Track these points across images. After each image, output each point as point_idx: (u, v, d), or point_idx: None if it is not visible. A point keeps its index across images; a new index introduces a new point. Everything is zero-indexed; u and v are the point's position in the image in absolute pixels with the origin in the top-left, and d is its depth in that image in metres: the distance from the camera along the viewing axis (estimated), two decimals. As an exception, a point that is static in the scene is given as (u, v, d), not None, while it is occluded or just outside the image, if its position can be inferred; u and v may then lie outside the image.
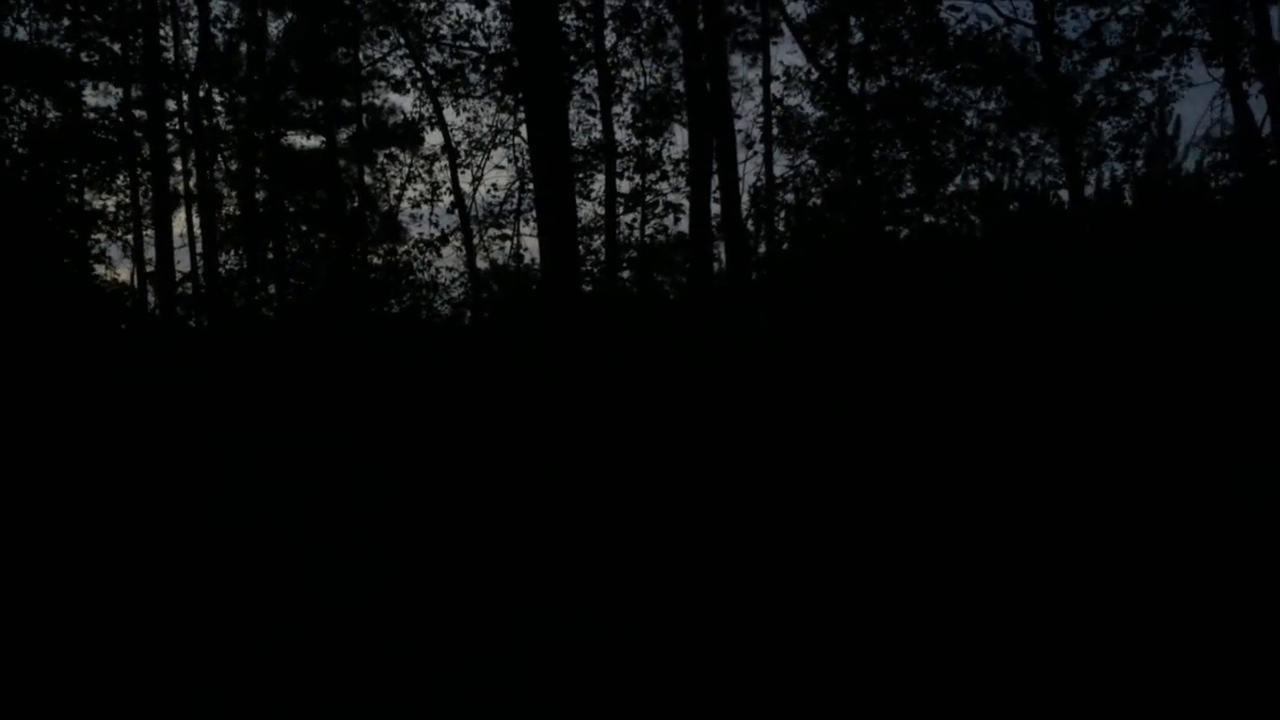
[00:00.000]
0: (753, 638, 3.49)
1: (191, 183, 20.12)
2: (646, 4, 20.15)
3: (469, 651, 3.55)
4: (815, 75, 20.35)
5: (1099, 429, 4.14)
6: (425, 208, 21.82)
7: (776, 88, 20.79)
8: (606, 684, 3.27)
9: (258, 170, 19.65)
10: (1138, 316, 4.40)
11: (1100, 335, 4.43)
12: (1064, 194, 16.58)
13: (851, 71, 19.53)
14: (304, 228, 19.83)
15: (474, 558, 4.38)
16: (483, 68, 20.33)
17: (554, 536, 4.36)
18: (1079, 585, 3.50)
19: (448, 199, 21.27)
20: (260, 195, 19.76)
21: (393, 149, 22.38)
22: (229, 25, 20.36)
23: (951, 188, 19.34)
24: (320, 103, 19.79)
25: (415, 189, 22.39)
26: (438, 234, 21.48)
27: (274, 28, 20.31)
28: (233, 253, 19.73)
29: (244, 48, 20.31)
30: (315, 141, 20.61)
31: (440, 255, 21.91)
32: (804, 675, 3.25)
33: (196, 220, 19.94)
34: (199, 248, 19.51)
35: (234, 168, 20.74)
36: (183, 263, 19.73)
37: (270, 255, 19.12)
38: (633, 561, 4.11)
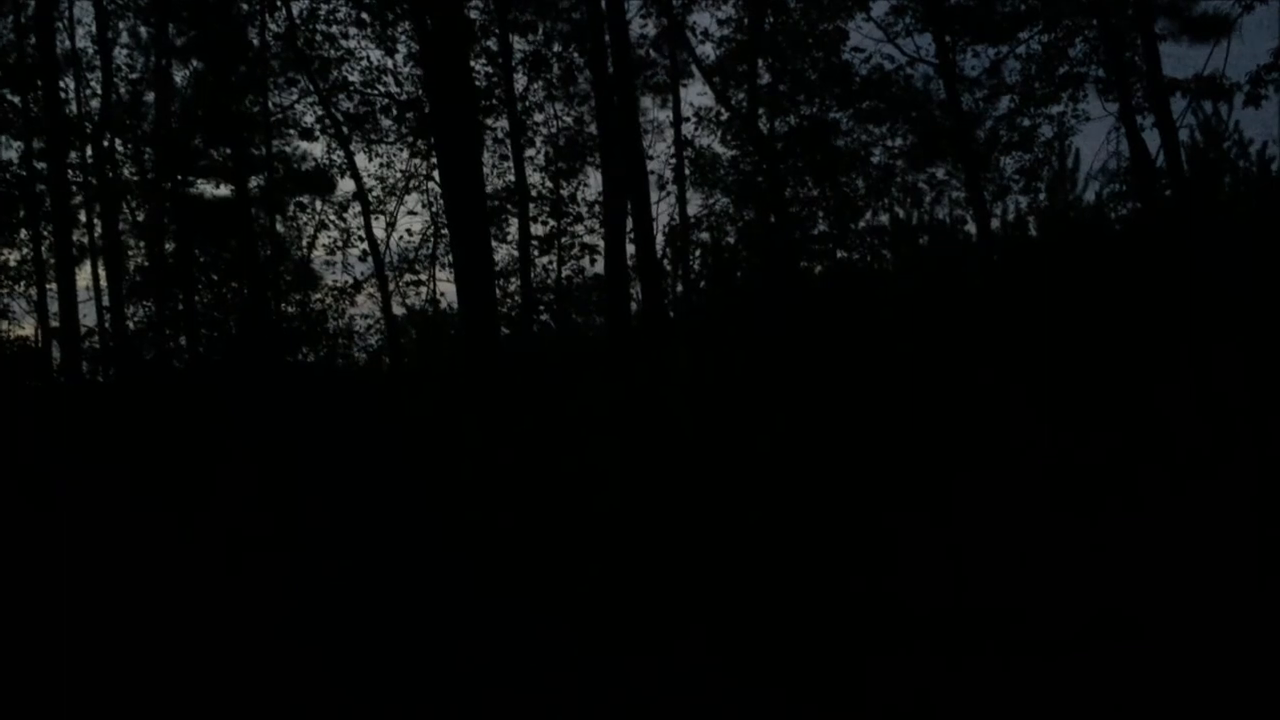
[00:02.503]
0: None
1: (97, 234, 19.66)
2: (556, 48, 20.30)
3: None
4: (725, 115, 20.62)
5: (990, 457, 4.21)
6: (339, 255, 21.48)
7: (688, 128, 21.00)
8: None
9: (166, 220, 19.28)
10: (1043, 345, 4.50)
11: (1011, 364, 4.52)
12: (971, 227, 16.97)
13: (761, 111, 19.83)
14: (214, 277, 19.48)
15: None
16: (394, 113, 20.25)
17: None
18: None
19: (362, 245, 21.02)
20: (169, 245, 19.37)
21: (303, 197, 22.08)
22: (133, 75, 20.03)
23: (862, 223, 19.64)
24: (229, 151, 19.50)
25: (329, 236, 22.12)
26: (351, 281, 21.28)
27: (180, 76, 20.03)
28: (141, 305, 19.30)
29: (149, 96, 19.97)
30: (225, 190, 20.28)
31: (354, 303, 21.70)
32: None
33: (103, 272, 19.47)
34: (105, 300, 19.04)
35: (140, 218, 20.32)
36: (88, 316, 19.23)
37: (180, 306, 18.72)
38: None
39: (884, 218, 20.00)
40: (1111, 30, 16.78)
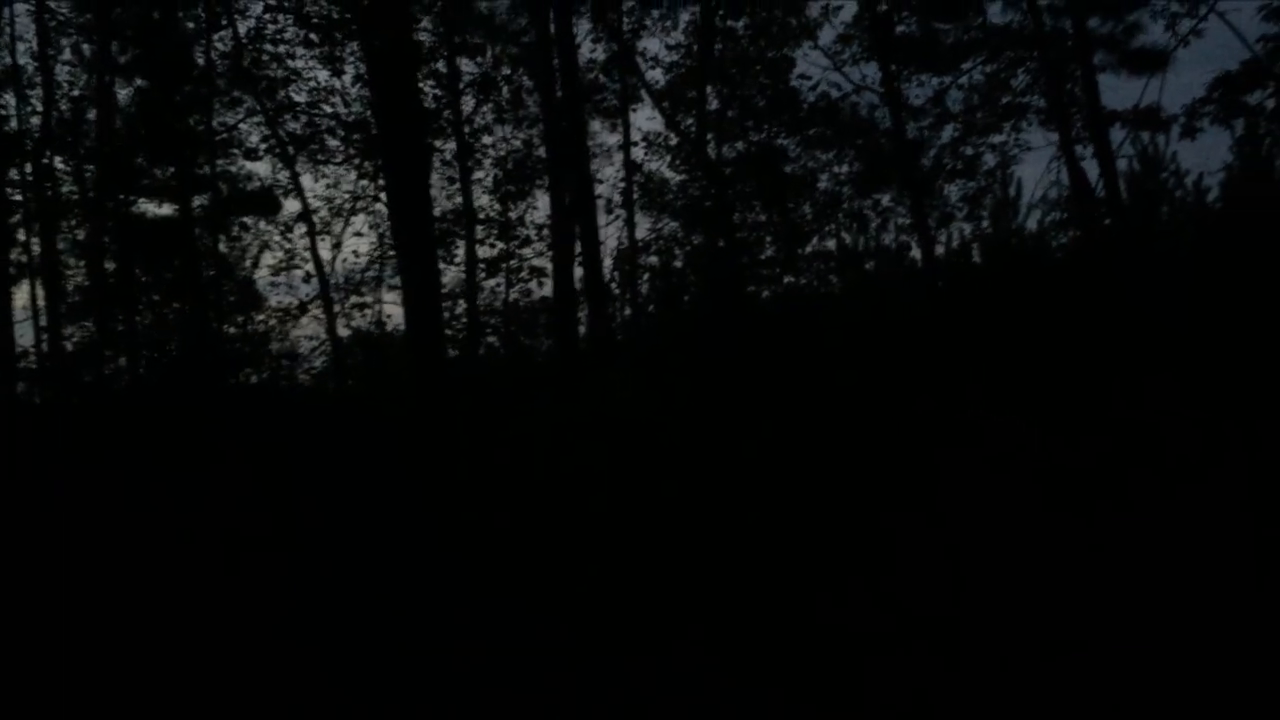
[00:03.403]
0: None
1: (36, 253, 19.27)
2: (505, 71, 20.31)
3: None
4: (675, 140, 20.73)
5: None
6: (284, 275, 21.24)
7: (637, 152, 21.10)
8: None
9: (106, 239, 18.96)
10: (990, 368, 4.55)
11: (955, 388, 4.56)
12: (917, 253, 17.16)
13: (709, 136, 19.97)
14: (155, 298, 19.17)
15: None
16: (341, 134, 20.12)
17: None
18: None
19: (307, 266, 20.81)
20: (109, 265, 19.04)
21: (246, 218, 21.77)
22: (75, 92, 19.72)
23: (809, 249, 19.79)
24: (172, 169, 19.23)
25: (273, 256, 21.86)
26: (296, 303, 21.05)
27: (124, 94, 19.75)
28: (80, 325, 18.94)
29: (92, 114, 19.66)
30: (168, 209, 19.98)
31: (299, 324, 21.44)
32: None
33: (42, 292, 19.07)
34: (43, 320, 18.65)
35: (80, 237, 19.96)
36: (25, 336, 18.82)
37: (120, 327, 18.40)
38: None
39: (831, 243, 20.19)
40: (1052, 62, 17.15)
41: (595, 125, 21.65)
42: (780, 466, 4.64)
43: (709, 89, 19.92)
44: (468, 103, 20.16)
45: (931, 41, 18.81)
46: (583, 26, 18.78)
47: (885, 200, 20.57)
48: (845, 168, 20.59)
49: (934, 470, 4.15)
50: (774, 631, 3.96)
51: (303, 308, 20.96)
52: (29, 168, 19.02)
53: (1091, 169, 15.86)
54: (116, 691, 4.00)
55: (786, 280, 18.84)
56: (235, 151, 20.94)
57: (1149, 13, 16.46)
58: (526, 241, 21.57)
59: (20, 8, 25.10)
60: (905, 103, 19.27)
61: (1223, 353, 3.81)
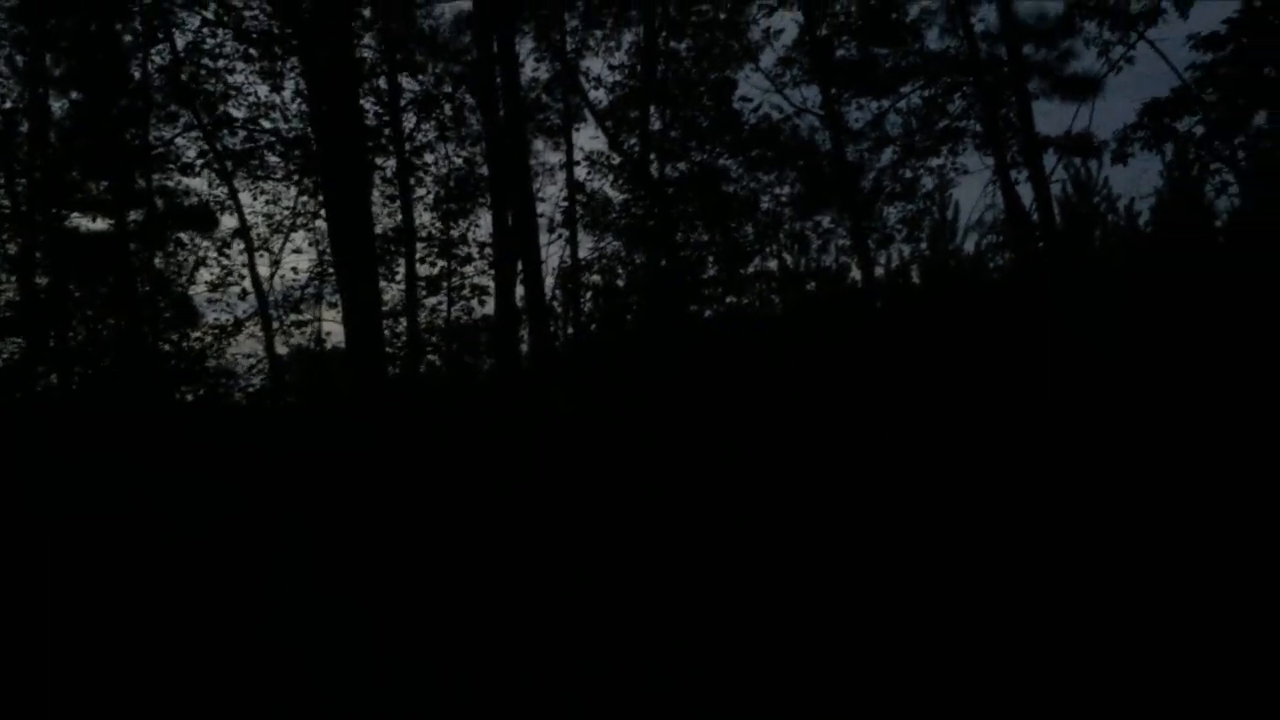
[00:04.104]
0: None
1: (-37, 268, 18.83)
2: (447, 89, 20.26)
3: None
4: (618, 160, 20.81)
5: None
6: (222, 292, 20.97)
7: (580, 171, 21.17)
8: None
9: (39, 254, 18.59)
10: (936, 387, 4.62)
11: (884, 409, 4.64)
12: (856, 274, 17.40)
13: (652, 156, 20.07)
14: (89, 313, 18.81)
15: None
16: (280, 150, 19.91)
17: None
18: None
19: (245, 283, 20.57)
20: (42, 280, 18.67)
21: (182, 233, 21.40)
22: (7, 104, 19.34)
23: (751, 269, 19.94)
24: (107, 184, 18.91)
25: (210, 273, 21.52)
26: (233, 319, 20.74)
27: (58, 107, 19.42)
28: (10, 341, 18.52)
29: (24, 127, 19.30)
30: (103, 224, 19.63)
31: (236, 341, 21.12)
32: None
33: (-30, 307, 18.63)
34: (-28, 336, 18.21)
35: (12, 251, 19.53)
36: (-47, 353, 18.35)
37: (52, 343, 18.03)
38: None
39: (772, 263, 20.37)
40: (987, 87, 17.50)
41: (538, 144, 21.70)
42: (722, 480, 4.68)
43: (652, 109, 20.04)
44: (409, 120, 20.09)
45: (870, 66, 19.12)
46: (526, 45, 18.84)
47: (826, 221, 20.83)
48: (786, 189, 20.81)
49: (871, 488, 4.21)
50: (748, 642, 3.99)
51: (238, 325, 20.67)
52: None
53: (1026, 193, 16.22)
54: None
55: (729, 300, 19.00)
56: (171, 167, 20.64)
57: (1082, 40, 16.85)
58: (468, 260, 21.49)
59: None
60: (845, 125, 19.57)
61: (1153, 370, 3.92)
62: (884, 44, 18.94)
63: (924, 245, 18.83)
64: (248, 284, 20.56)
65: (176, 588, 5.23)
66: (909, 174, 20.40)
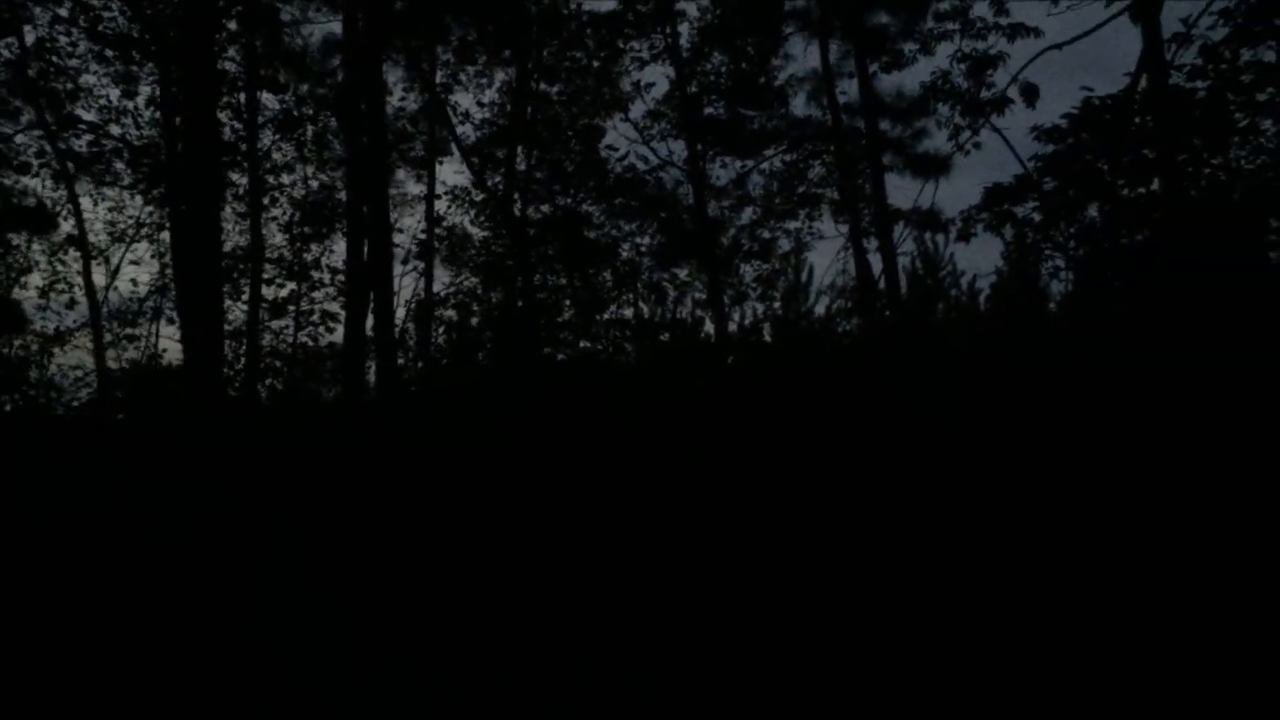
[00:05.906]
0: None
1: None
2: (309, 110, 19.79)
3: None
4: (481, 196, 20.69)
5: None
6: (52, 298, 19.92)
7: (441, 205, 20.97)
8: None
9: None
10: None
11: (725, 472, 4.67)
12: (710, 328, 17.63)
13: (516, 196, 20.00)
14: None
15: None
16: (127, 157, 19.06)
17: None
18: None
19: (78, 291, 19.59)
20: None
21: (12, 235, 20.19)
22: None
23: (607, 315, 20.04)
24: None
25: (42, 278, 20.42)
26: (62, 328, 19.74)
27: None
28: None
29: None
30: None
31: (64, 351, 20.08)
32: None
33: None
34: None
35: None
36: None
37: None
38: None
39: (628, 311, 20.51)
40: (846, 157, 18.05)
41: (401, 174, 21.38)
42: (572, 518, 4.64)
43: (519, 149, 20.02)
44: (265, 138, 19.51)
45: (736, 126, 19.52)
46: (396, 73, 18.59)
47: (683, 274, 21.09)
48: (647, 239, 21.00)
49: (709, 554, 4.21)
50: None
51: (61, 336, 19.66)
52: None
53: (876, 262, 16.72)
54: None
55: (582, 344, 19.02)
56: (9, 169, 19.54)
57: (935, 121, 17.53)
58: (319, 284, 20.94)
59: None
60: (708, 182, 19.89)
61: (987, 448, 4.04)
62: (751, 106, 19.37)
63: (777, 304, 19.31)
64: (80, 293, 19.55)
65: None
66: (767, 234, 20.95)
